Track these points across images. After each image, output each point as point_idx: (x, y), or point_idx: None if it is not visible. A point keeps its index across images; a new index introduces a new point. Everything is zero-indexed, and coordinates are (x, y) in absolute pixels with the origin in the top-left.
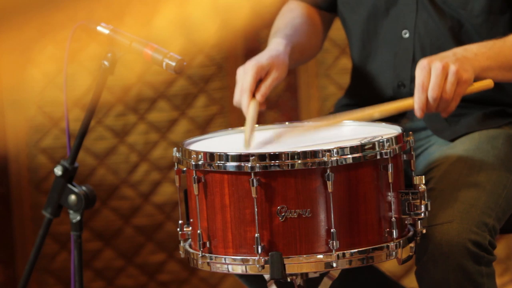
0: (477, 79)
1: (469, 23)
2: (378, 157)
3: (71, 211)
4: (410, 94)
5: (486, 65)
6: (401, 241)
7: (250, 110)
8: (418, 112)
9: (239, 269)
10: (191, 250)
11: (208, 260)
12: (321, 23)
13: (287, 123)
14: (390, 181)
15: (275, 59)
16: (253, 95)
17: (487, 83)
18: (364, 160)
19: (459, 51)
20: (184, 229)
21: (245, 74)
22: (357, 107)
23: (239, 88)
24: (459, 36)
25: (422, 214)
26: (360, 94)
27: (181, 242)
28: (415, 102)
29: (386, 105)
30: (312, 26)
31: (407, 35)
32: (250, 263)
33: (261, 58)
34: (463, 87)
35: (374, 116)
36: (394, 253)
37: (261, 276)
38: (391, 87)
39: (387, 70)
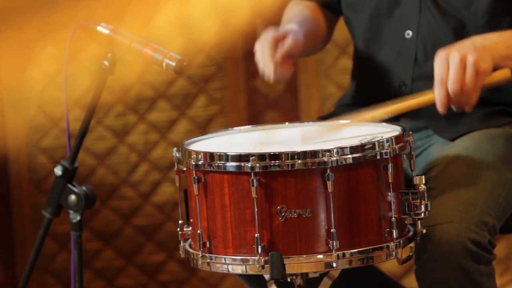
0: (496, 68)
1: (472, 24)
2: (378, 157)
3: (71, 211)
4: (411, 93)
5: (505, 54)
6: (401, 241)
7: None
8: (440, 108)
9: (239, 269)
10: (191, 250)
11: (208, 260)
12: (324, 19)
13: (287, 123)
14: (390, 181)
15: (289, 30)
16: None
17: (504, 75)
18: (364, 160)
19: (478, 39)
20: (184, 229)
21: (262, 45)
22: (358, 107)
23: (261, 59)
24: (462, 37)
25: (422, 214)
26: (361, 93)
27: (181, 242)
28: (436, 98)
29: (406, 100)
30: (318, 17)
31: (409, 36)
32: (250, 263)
33: (276, 30)
34: (482, 78)
35: (393, 113)
36: (394, 253)
37: (261, 276)
38: (392, 87)
39: (389, 70)
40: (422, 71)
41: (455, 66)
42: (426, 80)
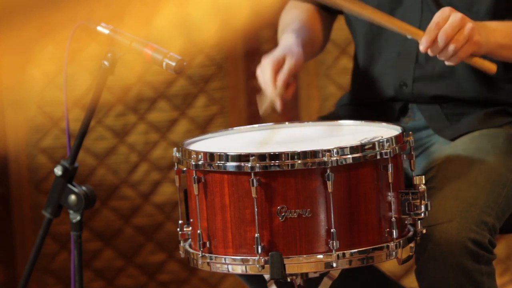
0: (492, 55)
1: None
2: (378, 157)
3: (71, 211)
4: (412, 93)
5: (503, 42)
6: (401, 241)
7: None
8: (423, 45)
9: (239, 269)
10: (191, 250)
11: (208, 260)
12: (321, 23)
13: (287, 123)
14: (390, 181)
15: (287, 50)
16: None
17: (490, 66)
18: (364, 160)
19: (480, 23)
20: (184, 229)
21: (263, 73)
22: (358, 107)
23: (263, 86)
24: None
25: (422, 214)
26: (362, 93)
27: (181, 242)
28: (425, 34)
29: (396, 22)
30: (315, 22)
31: (411, 36)
32: (250, 263)
33: (275, 53)
34: (472, 46)
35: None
36: (394, 253)
37: (261, 276)
38: (393, 87)
39: (389, 70)
40: (423, 71)
41: (453, 20)
42: (427, 81)
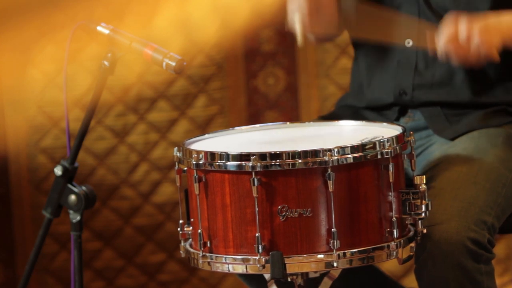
0: (507, 45)
1: None
2: (379, 156)
3: (71, 211)
4: (411, 101)
5: None
6: (402, 241)
7: None
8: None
9: (239, 269)
10: (191, 250)
11: (209, 260)
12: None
13: (287, 123)
14: (391, 180)
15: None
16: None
17: None
18: (365, 160)
19: (492, 16)
20: (185, 228)
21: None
22: (358, 109)
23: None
24: None
25: (423, 214)
26: (362, 98)
27: (182, 241)
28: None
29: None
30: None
31: (410, 44)
32: (251, 262)
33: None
34: (487, 48)
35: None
36: (394, 253)
37: (262, 276)
38: (392, 94)
39: (389, 78)
40: (422, 79)
41: (461, 35)
42: (426, 88)
